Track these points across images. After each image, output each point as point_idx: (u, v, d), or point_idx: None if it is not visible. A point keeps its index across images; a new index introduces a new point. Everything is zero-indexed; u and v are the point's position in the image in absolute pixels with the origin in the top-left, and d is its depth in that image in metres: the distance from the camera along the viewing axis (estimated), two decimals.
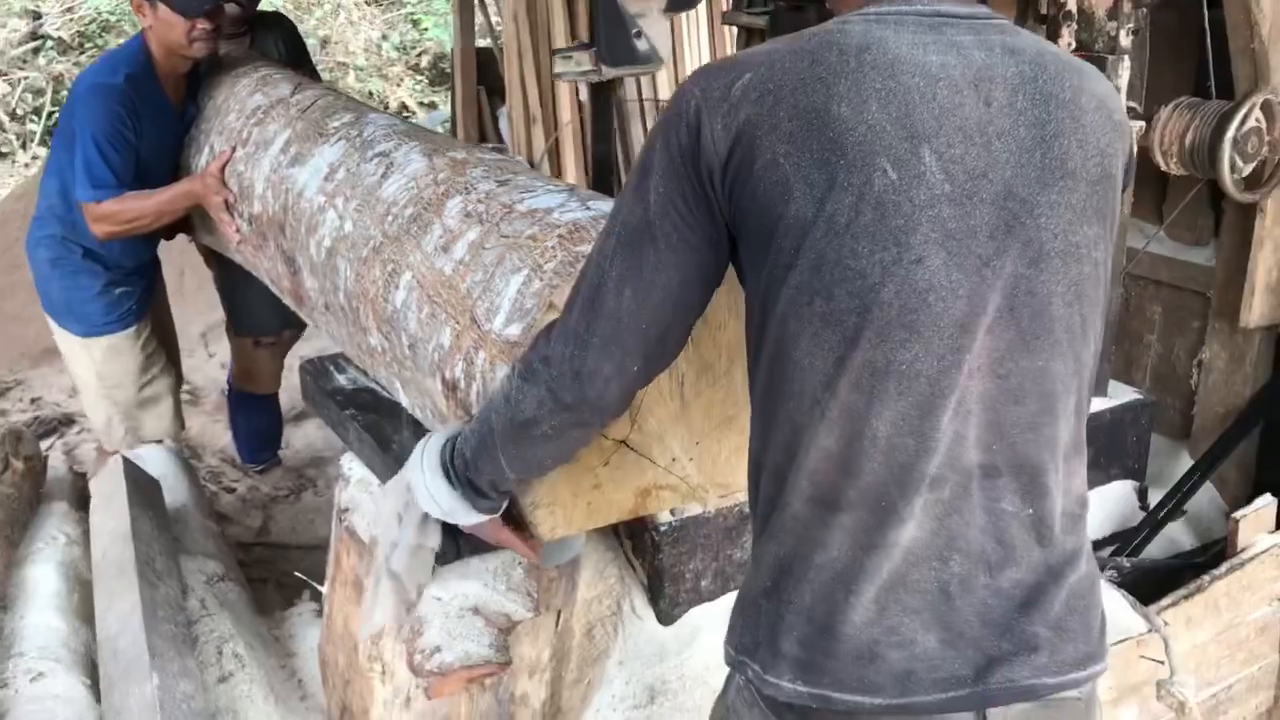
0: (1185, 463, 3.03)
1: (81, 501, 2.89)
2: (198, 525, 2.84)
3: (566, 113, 4.94)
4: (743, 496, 2.22)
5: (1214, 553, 2.70)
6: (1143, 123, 2.42)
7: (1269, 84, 2.46)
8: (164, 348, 3.64)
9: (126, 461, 2.77)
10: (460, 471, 1.62)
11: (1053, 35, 2.24)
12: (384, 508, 1.87)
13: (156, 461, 3.14)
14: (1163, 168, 2.51)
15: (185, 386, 4.79)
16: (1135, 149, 1.47)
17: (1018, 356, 1.31)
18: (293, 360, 3.67)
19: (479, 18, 6.11)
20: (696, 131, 1.31)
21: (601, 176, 3.24)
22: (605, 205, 2.01)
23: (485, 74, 5.91)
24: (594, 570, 2.36)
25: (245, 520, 3.92)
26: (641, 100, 4.89)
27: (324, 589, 2.27)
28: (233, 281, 3.73)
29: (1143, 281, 3.03)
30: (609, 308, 1.38)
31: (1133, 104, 2.52)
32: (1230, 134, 2.34)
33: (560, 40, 4.66)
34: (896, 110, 1.27)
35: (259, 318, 3.87)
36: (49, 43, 9.82)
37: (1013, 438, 1.32)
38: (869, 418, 1.29)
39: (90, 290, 3.39)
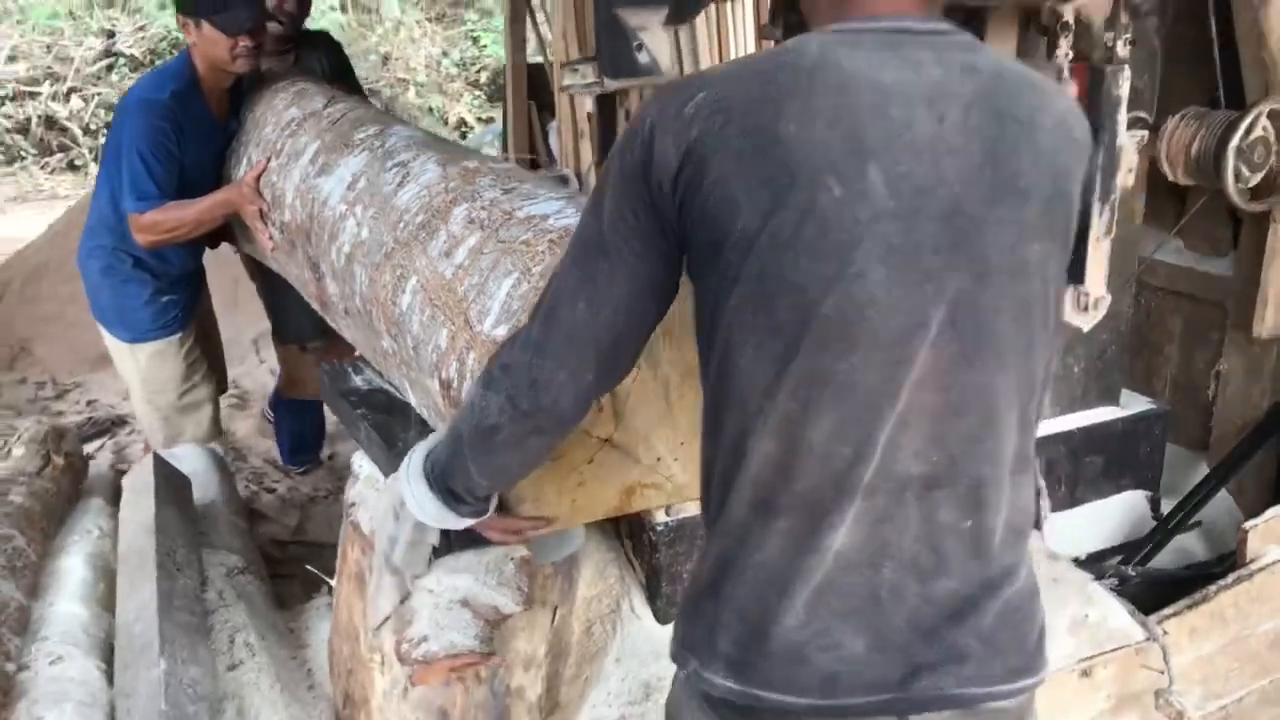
0: (1203, 474, 3.01)
1: (119, 497, 3.00)
2: (225, 521, 2.94)
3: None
4: None
5: (1228, 564, 2.68)
6: (1144, 132, 2.42)
7: (1278, 93, 2.45)
8: (206, 356, 3.76)
9: (158, 459, 2.88)
10: (437, 479, 1.67)
11: (1051, 46, 2.26)
12: (382, 504, 1.94)
13: (191, 460, 3.25)
14: (1170, 178, 2.51)
15: (235, 390, 4.95)
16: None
17: (960, 371, 1.33)
18: None
19: (531, 34, 6.21)
20: (649, 148, 1.34)
21: None
22: None
23: (537, 89, 6.01)
24: (595, 569, 2.42)
25: (283, 519, 4.02)
26: None
27: (334, 582, 2.35)
28: (274, 289, 3.85)
29: (1161, 293, 3.02)
30: (564, 319, 1.43)
31: (1142, 114, 2.53)
32: (1234, 143, 2.34)
33: None
34: (845, 128, 1.29)
35: (300, 324, 3.98)
36: (121, 60, 10.13)
37: (953, 450, 1.35)
38: (806, 426, 1.32)
39: (139, 298, 3.51)
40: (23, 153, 9.86)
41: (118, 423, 4.86)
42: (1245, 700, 2.63)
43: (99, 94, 9.97)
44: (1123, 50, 2.21)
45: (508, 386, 1.48)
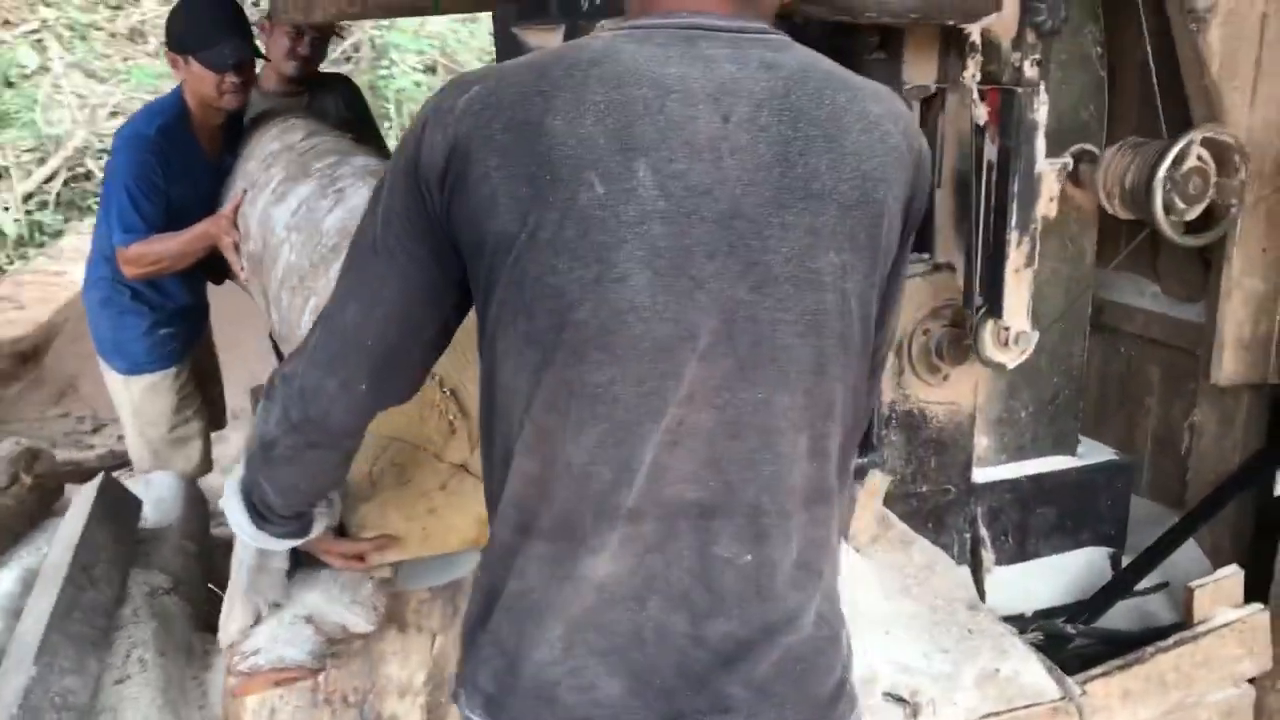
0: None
1: None
2: (173, 545, 2.96)
3: None
4: None
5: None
6: (1065, 160, 2.32)
7: (1222, 124, 2.33)
8: (202, 391, 3.81)
9: (106, 478, 2.92)
10: (246, 497, 1.60)
11: (960, 67, 2.19)
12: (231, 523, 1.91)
13: (160, 486, 3.29)
14: (1109, 210, 2.39)
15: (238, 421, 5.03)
16: (929, 179, 1.40)
17: (735, 387, 1.24)
18: None
19: None
20: (420, 145, 1.28)
21: None
22: None
23: None
24: None
25: None
26: None
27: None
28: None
29: (1140, 341, 2.87)
30: (335, 324, 1.37)
31: (1088, 146, 2.43)
32: (1161, 173, 2.22)
33: None
34: (615, 123, 1.22)
35: None
36: None
37: (729, 475, 1.25)
38: (563, 442, 1.24)
39: (136, 330, 3.59)
40: None
41: None
42: None
43: None
44: (1030, 71, 2.12)
45: (283, 397, 1.41)
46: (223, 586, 3.08)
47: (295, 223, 2.69)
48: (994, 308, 2.26)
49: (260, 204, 3.08)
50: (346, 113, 4.06)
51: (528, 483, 1.27)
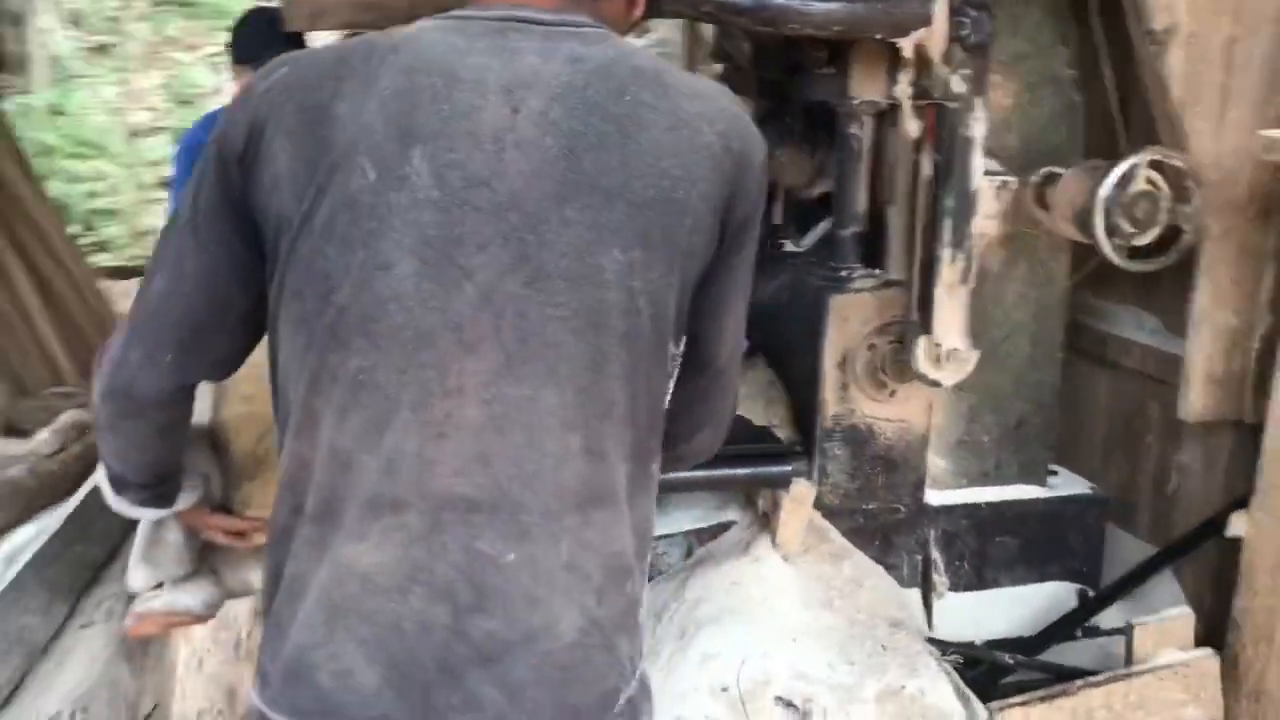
0: (1167, 576, 2.72)
1: None
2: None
3: None
4: None
5: None
6: (1006, 179, 2.28)
7: (1184, 149, 2.26)
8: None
9: None
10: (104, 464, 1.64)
11: (892, 81, 2.20)
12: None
13: None
14: (1065, 234, 2.34)
15: None
16: (759, 183, 1.41)
17: (503, 382, 1.25)
18: None
19: None
20: (227, 124, 1.33)
21: None
22: None
23: None
24: None
25: None
26: None
27: None
28: None
29: (1138, 377, 2.78)
30: (144, 297, 1.41)
31: (1058, 169, 2.39)
32: (1102, 194, 2.17)
33: None
34: (397, 110, 1.25)
35: None
36: None
37: (495, 471, 1.25)
38: (327, 427, 1.26)
39: None
40: None
41: None
42: None
43: None
44: (959, 86, 2.11)
45: (102, 368, 1.46)
46: None
47: None
48: (926, 323, 2.24)
49: None
50: None
51: (299, 465, 1.30)
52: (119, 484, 1.66)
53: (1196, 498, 2.64)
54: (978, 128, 2.16)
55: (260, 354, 1.44)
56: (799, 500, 2.33)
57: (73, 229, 6.56)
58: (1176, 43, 2.21)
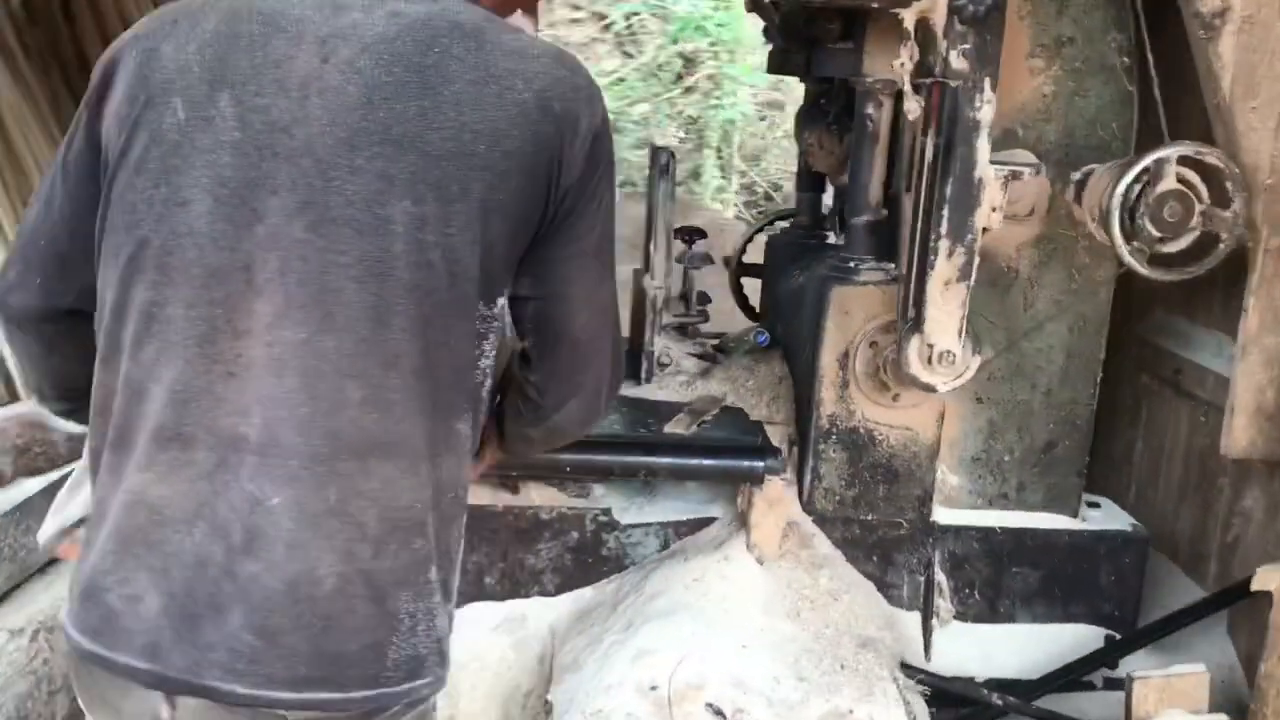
0: (1220, 631, 2.44)
1: None
2: None
3: None
4: (538, 500, 2.23)
5: None
6: (1026, 168, 2.06)
7: (1236, 147, 2.01)
8: None
9: None
10: None
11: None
12: None
13: None
14: (1097, 237, 2.12)
15: None
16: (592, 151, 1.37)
17: (282, 325, 1.26)
18: None
19: None
20: (93, 72, 1.39)
21: None
22: None
23: None
24: None
25: None
26: None
27: None
28: None
29: (1209, 409, 2.50)
30: (23, 222, 1.48)
31: (1094, 166, 2.17)
32: (1119, 191, 1.94)
33: None
34: (213, 54, 1.29)
35: None
36: None
37: (269, 414, 1.26)
38: (125, 357, 1.29)
39: None
40: None
41: None
42: None
43: None
44: (959, 63, 1.93)
45: None
46: None
47: None
48: (919, 322, 2.07)
49: None
50: None
51: (104, 394, 1.33)
52: (39, 394, 1.71)
53: (1256, 547, 2.34)
54: (984, 110, 1.97)
55: None
56: (772, 501, 2.19)
57: None
58: (1229, 28, 1.96)
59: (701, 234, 2.87)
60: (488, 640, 2.29)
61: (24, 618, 2.27)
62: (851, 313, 2.23)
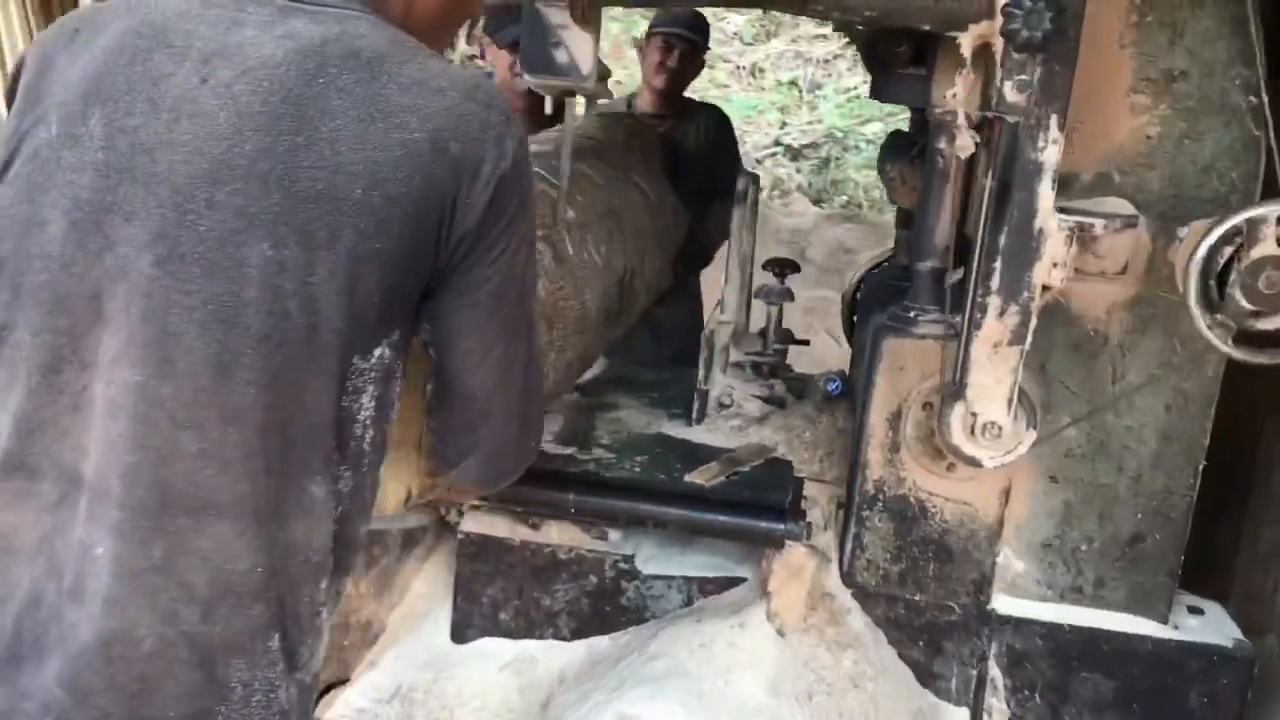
0: None
1: None
2: None
3: None
4: (556, 538, 2.14)
5: None
6: (1077, 219, 1.77)
7: None
8: None
9: None
10: None
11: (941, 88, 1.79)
12: None
13: None
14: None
15: None
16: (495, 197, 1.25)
17: (122, 365, 1.19)
18: None
19: None
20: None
21: None
22: None
23: None
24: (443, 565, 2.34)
25: None
26: None
27: None
28: None
29: None
30: None
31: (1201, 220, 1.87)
32: (1199, 254, 1.64)
33: None
34: (95, 68, 1.24)
35: None
36: (781, 150, 11.10)
37: (102, 457, 1.19)
38: None
39: None
40: None
41: None
42: None
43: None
44: (1012, 95, 1.68)
45: None
46: None
47: None
48: (961, 387, 1.82)
49: None
50: (704, 140, 4.09)
51: None
52: None
53: None
54: (1049, 151, 1.71)
55: None
56: (794, 569, 1.99)
57: None
58: None
59: (794, 267, 2.68)
60: (494, 679, 2.19)
61: None
62: (906, 368, 2.00)
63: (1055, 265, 1.76)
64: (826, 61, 12.08)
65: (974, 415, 1.82)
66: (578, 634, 2.19)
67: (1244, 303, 1.67)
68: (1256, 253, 1.65)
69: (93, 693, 1.17)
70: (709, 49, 4.18)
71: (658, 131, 3.87)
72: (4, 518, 1.21)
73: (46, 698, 1.17)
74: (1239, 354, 1.70)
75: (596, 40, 2.11)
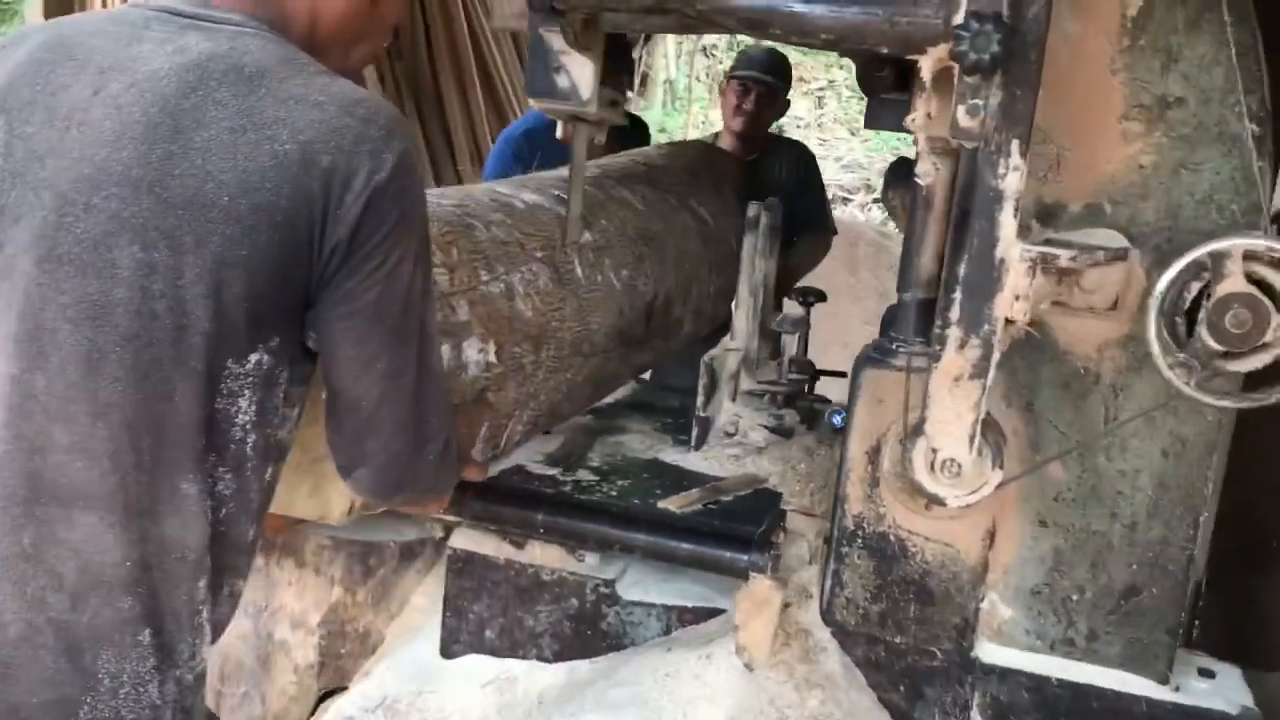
0: None
1: None
2: None
3: None
4: (540, 559, 2.16)
5: None
6: (1042, 249, 1.67)
7: None
8: None
9: None
10: None
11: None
12: None
13: None
14: None
15: None
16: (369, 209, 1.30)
17: (6, 359, 1.26)
18: None
19: None
20: None
21: None
22: None
23: None
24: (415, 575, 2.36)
25: None
26: None
27: None
28: None
29: None
30: None
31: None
32: (1158, 289, 1.54)
33: None
34: (5, 80, 1.32)
35: None
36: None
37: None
38: None
39: None
40: None
41: None
42: None
43: None
44: (966, 120, 1.62)
45: None
46: None
47: None
48: (921, 421, 1.76)
49: None
50: (787, 175, 4.07)
51: None
52: None
53: None
54: (1009, 179, 1.64)
55: None
56: (758, 601, 1.95)
57: None
58: None
59: (821, 296, 2.63)
60: (475, 696, 2.20)
61: None
62: (885, 401, 1.94)
63: (1018, 298, 1.68)
64: None
65: (934, 451, 1.75)
66: (560, 656, 2.19)
67: (1211, 342, 1.56)
68: (1222, 289, 1.55)
69: (21, 705, 1.24)
70: (789, 89, 4.15)
71: (743, 161, 3.87)
72: None
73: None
74: (1203, 396, 1.59)
75: (598, 66, 2.13)
